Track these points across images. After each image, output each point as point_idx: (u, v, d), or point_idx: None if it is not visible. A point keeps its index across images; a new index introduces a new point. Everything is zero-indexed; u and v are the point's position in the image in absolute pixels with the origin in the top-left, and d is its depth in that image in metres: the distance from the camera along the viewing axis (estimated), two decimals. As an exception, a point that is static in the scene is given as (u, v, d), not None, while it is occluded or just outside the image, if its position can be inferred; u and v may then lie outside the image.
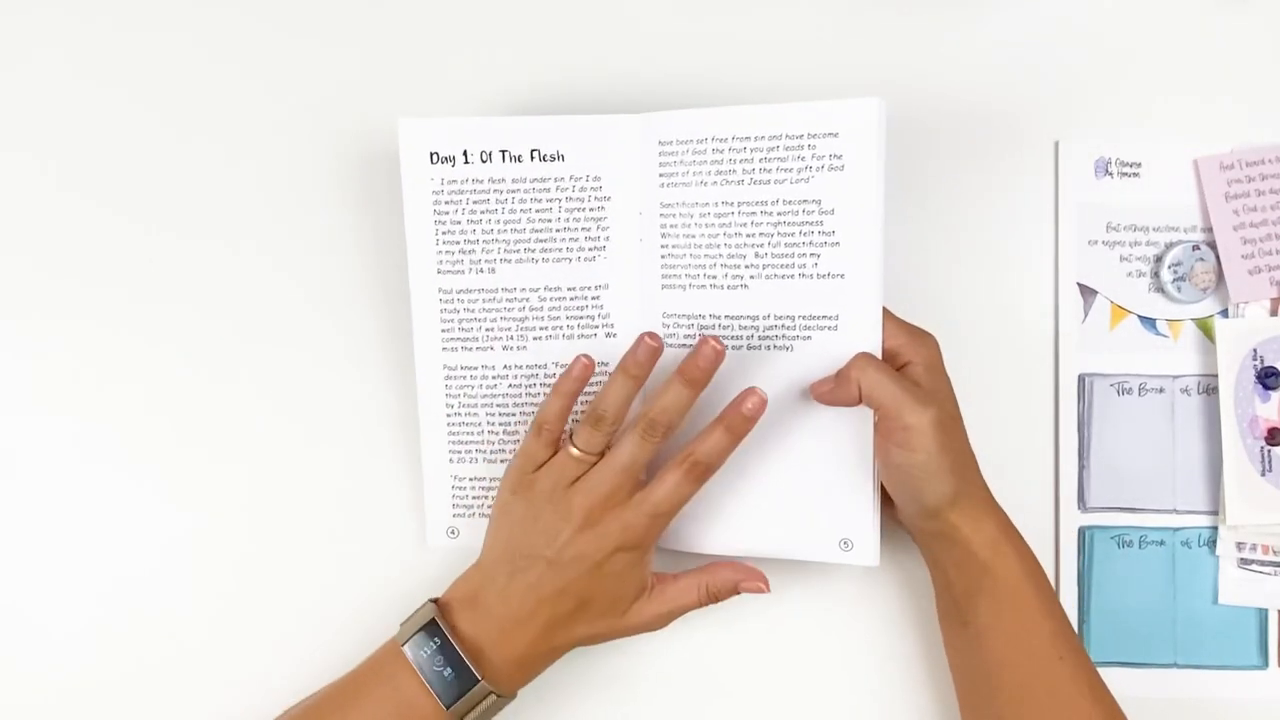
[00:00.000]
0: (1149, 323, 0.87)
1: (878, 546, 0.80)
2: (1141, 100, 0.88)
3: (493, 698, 0.75)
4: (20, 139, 0.88)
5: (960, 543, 0.76)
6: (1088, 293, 0.87)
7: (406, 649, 0.75)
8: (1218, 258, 0.86)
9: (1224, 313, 0.87)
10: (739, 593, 0.80)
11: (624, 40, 0.88)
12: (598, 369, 0.82)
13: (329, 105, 0.88)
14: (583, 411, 0.78)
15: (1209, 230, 0.86)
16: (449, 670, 0.74)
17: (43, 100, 0.88)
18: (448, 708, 0.74)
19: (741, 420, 0.75)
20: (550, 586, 0.75)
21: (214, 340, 0.87)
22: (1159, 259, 0.87)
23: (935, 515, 0.76)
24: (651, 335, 0.76)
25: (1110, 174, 0.87)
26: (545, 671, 0.80)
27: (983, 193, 0.88)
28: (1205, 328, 0.87)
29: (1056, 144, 0.88)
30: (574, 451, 0.76)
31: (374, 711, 0.76)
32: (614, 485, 0.75)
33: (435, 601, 0.78)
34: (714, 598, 0.80)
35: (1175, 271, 0.86)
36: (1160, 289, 0.87)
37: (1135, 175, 0.87)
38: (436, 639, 0.75)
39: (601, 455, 0.76)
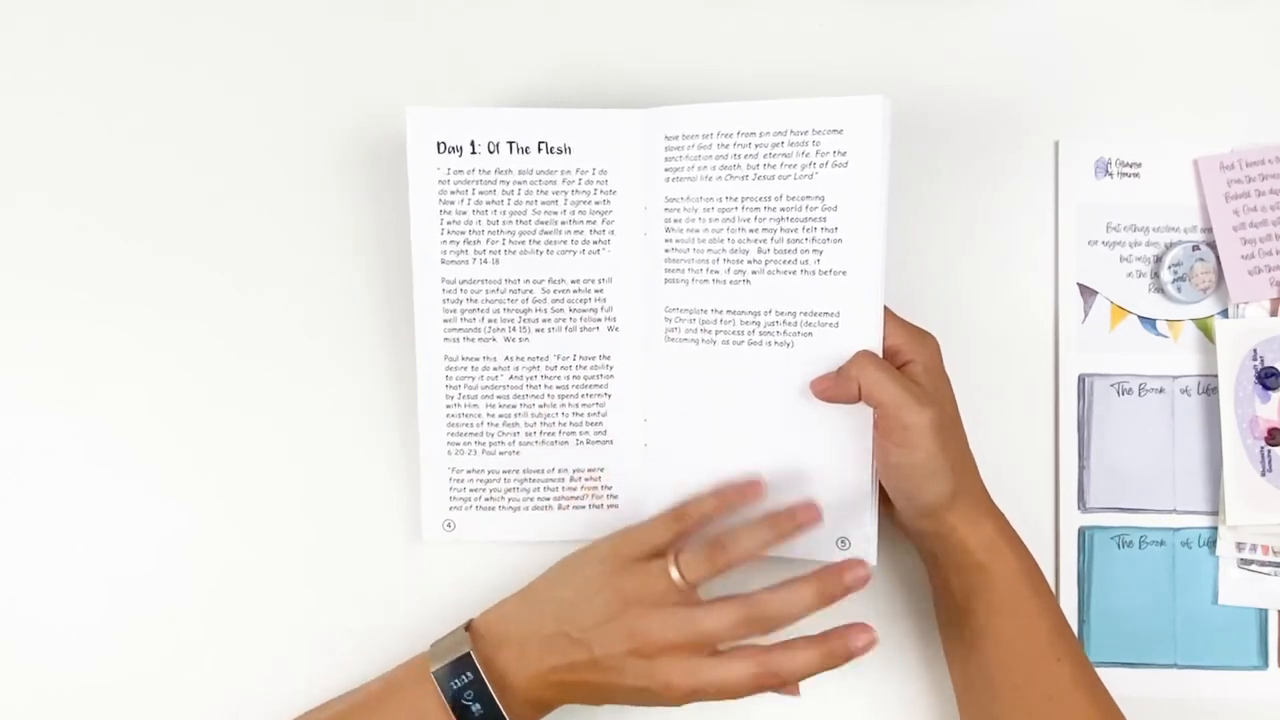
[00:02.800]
0: (1149, 323, 0.89)
1: (875, 546, 0.81)
2: (1141, 100, 0.90)
3: None
4: (19, 130, 0.89)
5: (957, 543, 0.77)
6: (1088, 293, 0.89)
7: (436, 675, 0.75)
8: (1218, 258, 0.88)
9: (1224, 313, 0.88)
10: None
11: (630, 35, 0.90)
12: (600, 362, 0.84)
13: (335, 94, 0.89)
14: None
15: (1209, 230, 0.88)
16: (478, 705, 0.74)
17: (43, 89, 0.89)
18: None
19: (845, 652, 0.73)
20: (583, 676, 0.75)
21: (211, 328, 0.88)
22: (1159, 259, 0.88)
23: (933, 515, 0.77)
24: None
25: (1110, 174, 0.89)
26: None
27: (983, 193, 0.90)
28: (1205, 328, 0.88)
29: (1056, 144, 0.90)
30: (674, 574, 0.74)
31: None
32: (682, 641, 0.72)
33: (469, 628, 0.78)
34: None
35: (1175, 272, 0.88)
36: (1160, 289, 0.88)
37: (1135, 175, 0.89)
38: (469, 673, 0.75)
39: (694, 585, 0.75)
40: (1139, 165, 0.89)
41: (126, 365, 0.88)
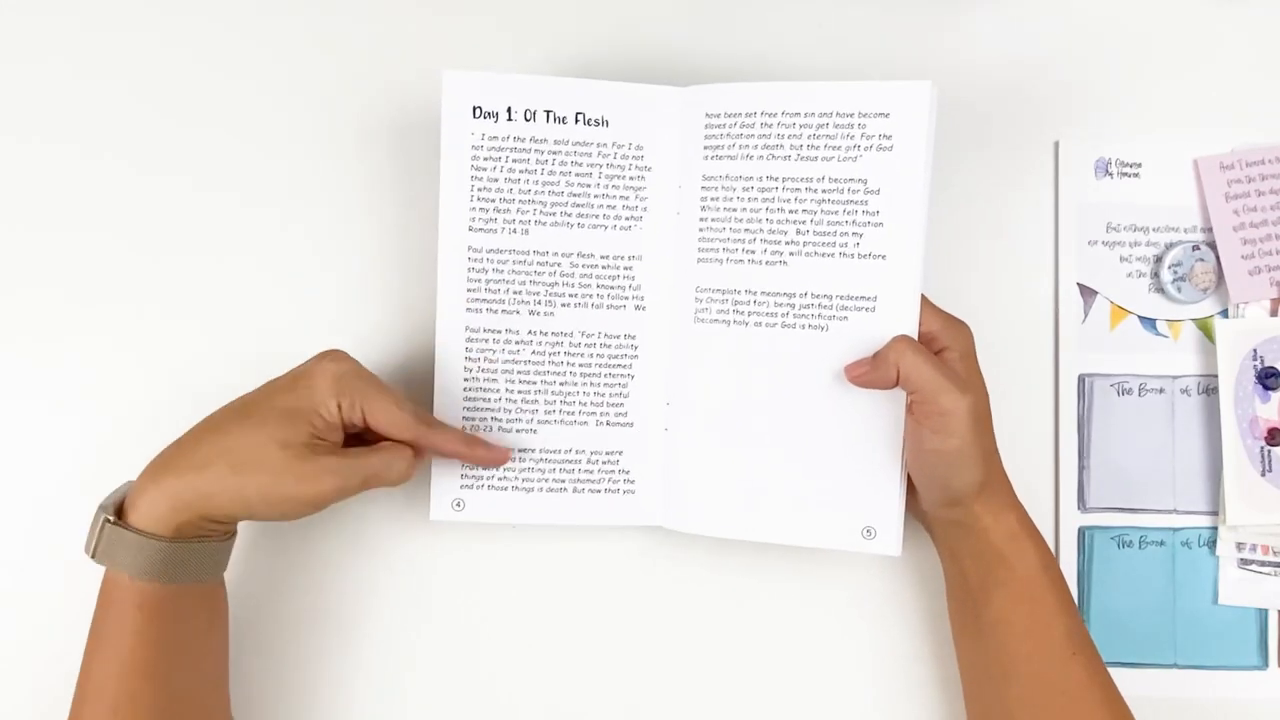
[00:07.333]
0: (1149, 323, 0.92)
1: (900, 536, 0.82)
2: (1141, 100, 0.94)
3: (108, 524, 0.73)
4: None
5: (979, 533, 0.80)
6: (1088, 293, 0.92)
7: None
8: (1218, 258, 0.91)
9: (1224, 313, 0.92)
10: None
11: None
12: (624, 341, 0.85)
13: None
14: None
15: (1209, 230, 0.92)
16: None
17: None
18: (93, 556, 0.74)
19: None
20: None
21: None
22: (1159, 259, 0.92)
23: (959, 503, 0.79)
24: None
25: (1110, 174, 0.92)
26: (544, 662, 0.83)
27: (983, 193, 0.93)
28: (1205, 328, 0.92)
29: (1056, 144, 0.93)
30: None
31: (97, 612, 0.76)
32: None
33: None
34: None
35: (1175, 272, 0.91)
36: (1160, 289, 0.92)
37: (1135, 175, 0.93)
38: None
39: None
40: (1139, 165, 0.92)
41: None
